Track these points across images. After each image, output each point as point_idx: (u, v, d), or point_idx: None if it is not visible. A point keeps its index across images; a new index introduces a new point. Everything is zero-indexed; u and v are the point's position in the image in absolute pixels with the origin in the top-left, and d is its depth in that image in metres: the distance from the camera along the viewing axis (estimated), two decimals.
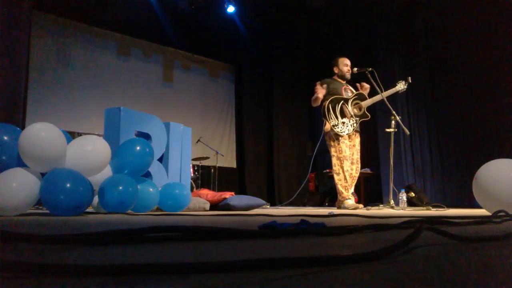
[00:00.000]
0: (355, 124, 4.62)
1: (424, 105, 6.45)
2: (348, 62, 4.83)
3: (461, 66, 5.85)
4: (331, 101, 4.56)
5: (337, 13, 7.50)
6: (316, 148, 5.07)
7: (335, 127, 4.51)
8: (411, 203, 5.12)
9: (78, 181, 2.32)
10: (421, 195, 5.29)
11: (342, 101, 4.60)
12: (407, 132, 4.83)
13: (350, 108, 4.60)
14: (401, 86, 4.77)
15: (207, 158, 6.88)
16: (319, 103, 4.65)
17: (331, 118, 4.52)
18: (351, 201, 4.50)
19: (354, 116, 4.61)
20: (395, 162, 4.87)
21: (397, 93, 4.84)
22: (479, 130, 5.59)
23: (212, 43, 8.10)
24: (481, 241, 0.93)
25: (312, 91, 4.75)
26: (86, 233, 0.92)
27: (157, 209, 3.42)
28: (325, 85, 4.69)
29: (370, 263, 0.61)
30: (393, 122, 4.66)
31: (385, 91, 4.68)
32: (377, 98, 4.70)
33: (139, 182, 2.93)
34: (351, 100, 4.65)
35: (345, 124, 4.56)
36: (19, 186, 2.21)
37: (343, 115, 4.57)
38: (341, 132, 4.52)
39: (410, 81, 4.78)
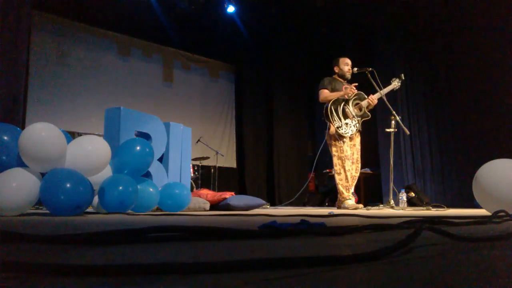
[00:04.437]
0: (357, 125, 4.63)
1: (424, 105, 6.45)
2: (349, 61, 4.85)
3: (462, 66, 5.85)
4: (332, 103, 4.58)
5: (337, 13, 7.50)
6: (321, 148, 5.07)
7: (339, 128, 4.52)
8: (411, 203, 5.12)
9: (78, 181, 2.32)
10: (421, 195, 5.29)
11: (343, 102, 4.61)
12: (407, 132, 4.84)
13: (351, 109, 4.61)
14: (395, 83, 4.78)
15: (207, 158, 6.88)
16: (331, 97, 4.63)
17: (335, 120, 4.53)
18: (351, 201, 4.51)
19: (356, 117, 4.62)
20: (395, 162, 4.87)
21: (393, 91, 4.85)
22: (479, 130, 5.59)
23: (212, 43, 8.09)
24: (481, 241, 0.93)
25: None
26: (86, 233, 0.92)
27: (157, 209, 3.43)
28: (329, 87, 4.70)
29: (370, 263, 0.61)
30: (393, 122, 4.66)
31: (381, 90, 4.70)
32: (377, 95, 4.71)
33: (139, 182, 2.93)
34: (352, 100, 4.66)
35: (348, 125, 4.57)
36: (19, 186, 2.21)
37: (345, 116, 4.58)
38: (346, 134, 4.53)
39: (403, 78, 4.80)
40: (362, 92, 4.74)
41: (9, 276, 0.48)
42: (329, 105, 4.57)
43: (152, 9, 7.02)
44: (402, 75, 4.81)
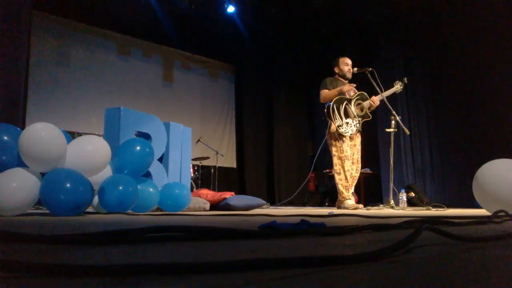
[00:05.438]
0: (358, 125, 4.64)
1: (424, 105, 6.45)
2: (349, 61, 4.85)
3: (462, 66, 5.85)
4: (335, 102, 4.58)
5: (337, 13, 7.49)
6: (320, 147, 5.08)
7: (340, 127, 4.52)
8: (411, 203, 5.12)
9: (78, 181, 2.32)
10: (421, 195, 5.30)
11: (345, 102, 4.62)
12: (407, 132, 4.84)
13: (353, 109, 4.61)
14: (398, 86, 4.78)
15: (207, 158, 6.88)
16: (330, 96, 4.64)
17: (336, 119, 4.53)
18: (351, 201, 4.51)
19: (357, 117, 4.62)
20: (395, 162, 4.87)
21: (395, 93, 4.86)
22: (479, 130, 5.59)
23: (212, 43, 8.09)
24: (481, 241, 0.93)
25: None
26: (86, 233, 0.92)
27: (157, 209, 3.42)
28: (330, 87, 4.70)
29: (370, 263, 0.61)
30: (393, 122, 4.66)
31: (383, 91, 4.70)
32: (378, 97, 4.71)
33: (139, 182, 2.93)
34: (354, 100, 4.66)
35: (349, 125, 4.57)
36: (19, 186, 2.21)
37: (347, 115, 4.59)
38: (346, 133, 4.54)
39: (406, 82, 4.80)
40: (364, 93, 4.74)
41: (9, 276, 0.48)
42: (332, 103, 4.57)
43: (152, 9, 7.02)
44: (405, 79, 4.80)
